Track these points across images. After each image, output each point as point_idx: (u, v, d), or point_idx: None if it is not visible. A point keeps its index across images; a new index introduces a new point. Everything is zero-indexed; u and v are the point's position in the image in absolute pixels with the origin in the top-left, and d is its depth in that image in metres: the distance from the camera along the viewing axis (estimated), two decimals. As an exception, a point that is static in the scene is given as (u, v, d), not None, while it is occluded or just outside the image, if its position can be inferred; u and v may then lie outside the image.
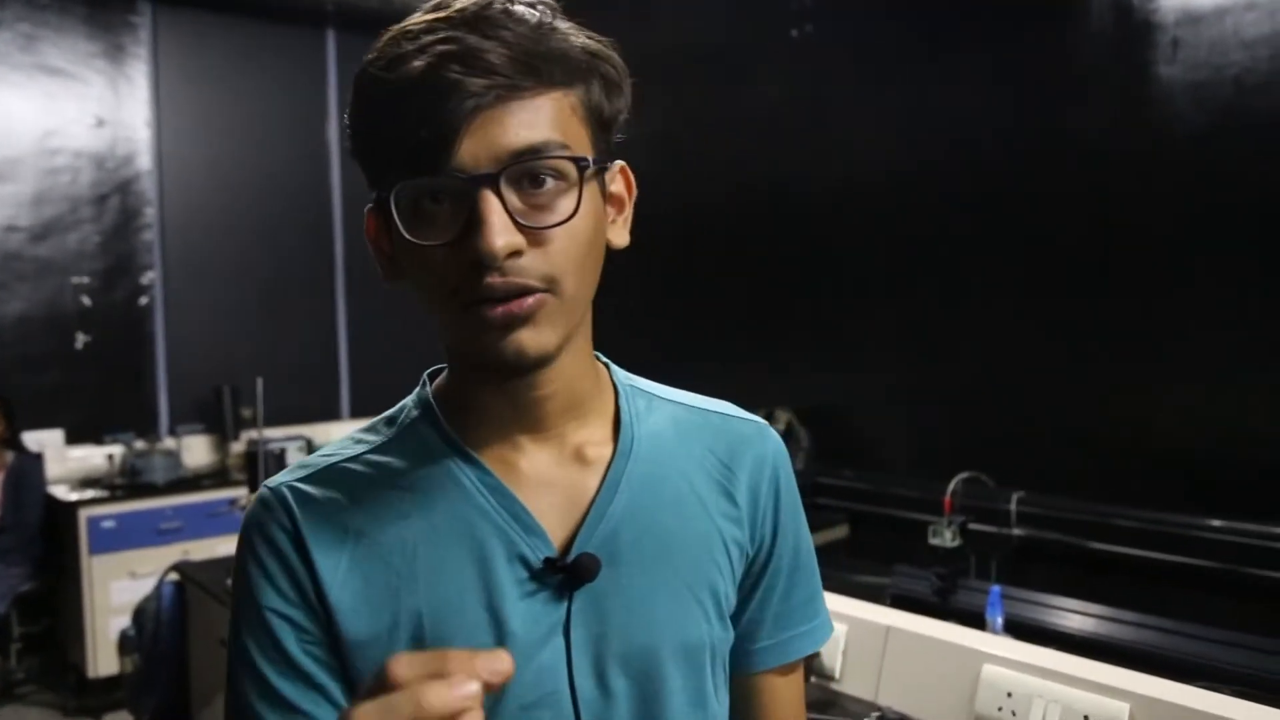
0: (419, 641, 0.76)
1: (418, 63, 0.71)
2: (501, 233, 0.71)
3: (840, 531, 3.68)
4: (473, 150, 0.71)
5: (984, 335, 3.38)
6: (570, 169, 0.75)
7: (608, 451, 0.84)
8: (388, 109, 0.72)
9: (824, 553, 3.20)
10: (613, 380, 0.88)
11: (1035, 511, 3.16)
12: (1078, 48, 3.14)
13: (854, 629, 1.77)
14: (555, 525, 0.80)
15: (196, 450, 4.63)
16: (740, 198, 4.16)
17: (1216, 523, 2.77)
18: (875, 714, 1.65)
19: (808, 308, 3.94)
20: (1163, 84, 2.89)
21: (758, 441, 0.90)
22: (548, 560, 0.79)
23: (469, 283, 0.72)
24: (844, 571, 2.62)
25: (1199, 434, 2.90)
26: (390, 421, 0.85)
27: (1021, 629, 1.97)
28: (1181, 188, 2.87)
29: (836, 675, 1.77)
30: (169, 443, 4.51)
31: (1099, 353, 3.09)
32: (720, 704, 0.87)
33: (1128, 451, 3.05)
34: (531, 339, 0.74)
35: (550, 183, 0.74)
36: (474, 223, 0.71)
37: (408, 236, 0.73)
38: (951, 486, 2.18)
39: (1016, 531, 3.21)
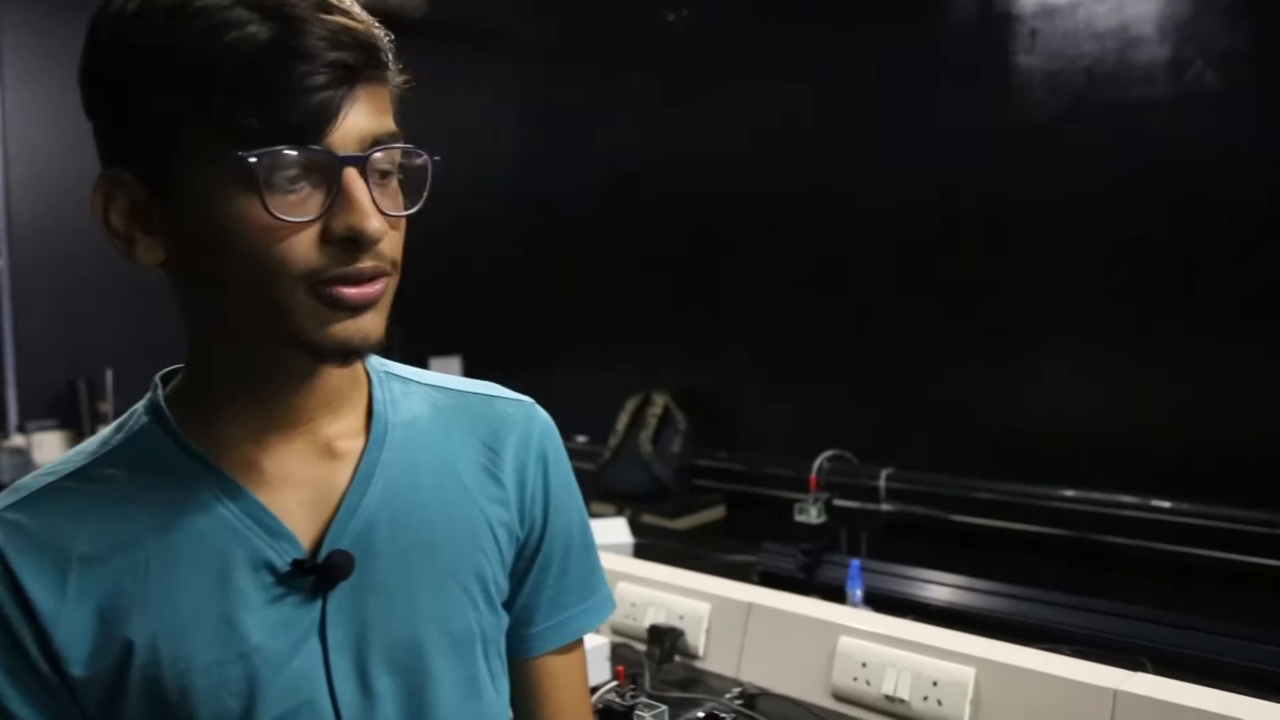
0: (155, 666, 0.72)
1: (272, 30, 0.66)
2: (375, 213, 0.70)
3: (717, 512, 3.72)
4: (346, 129, 0.69)
5: (854, 318, 3.45)
6: (418, 159, 0.75)
7: (360, 443, 0.81)
8: (230, 72, 0.66)
9: (701, 534, 3.24)
10: (365, 367, 0.85)
11: (903, 487, 3.25)
12: (943, 37, 3.21)
13: (717, 607, 1.79)
14: (304, 525, 0.77)
15: (49, 448, 4.41)
16: (611, 183, 4.15)
17: (1069, 493, 2.89)
18: (736, 689, 1.66)
19: (685, 292, 3.96)
20: (1022, 73, 2.99)
21: (523, 422, 0.89)
22: (296, 562, 0.75)
23: (330, 263, 0.69)
24: (718, 552, 2.64)
25: (1054, 410, 3.02)
26: (119, 428, 0.78)
27: (882, 601, 2.02)
28: (1036, 170, 2.97)
29: (700, 654, 1.78)
30: (18, 440, 4.30)
31: (961, 334, 3.19)
32: (498, 692, 0.86)
33: (989, 428, 3.15)
34: (374, 324, 0.73)
35: (396, 170, 0.74)
36: (343, 202, 0.69)
37: (274, 213, 0.67)
38: (817, 464, 2.22)
39: (886, 507, 3.29)
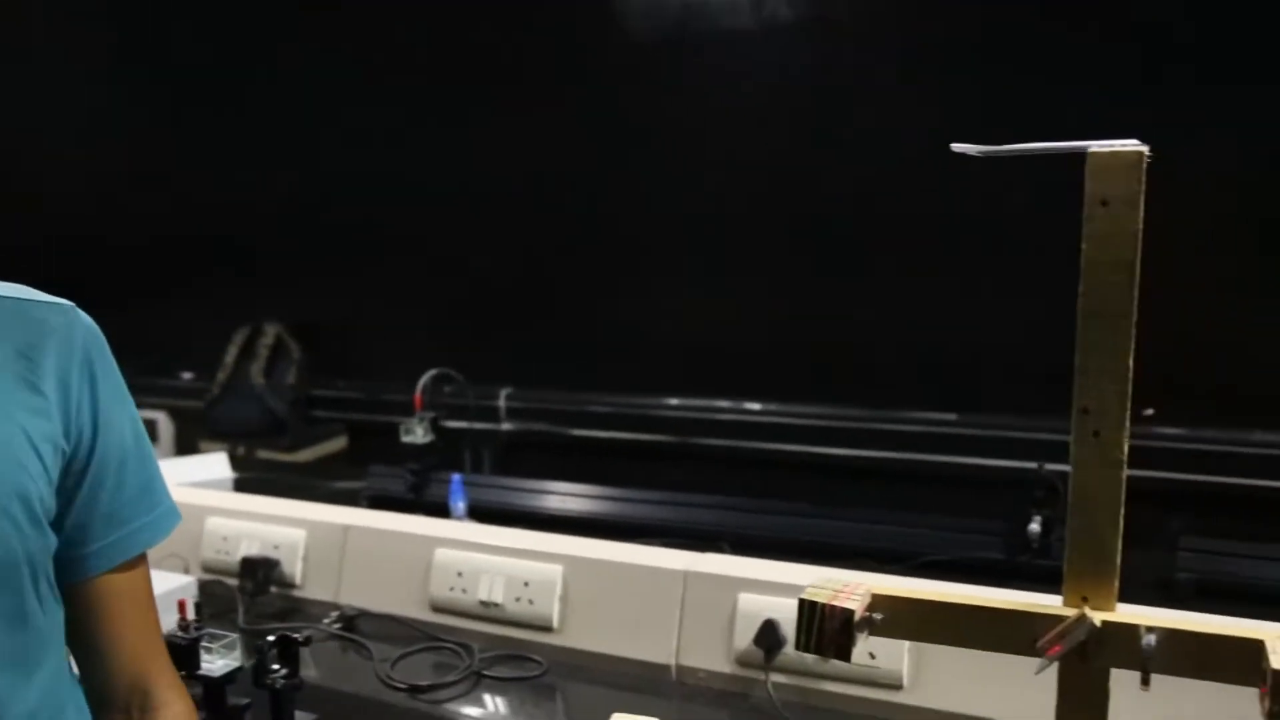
0: None
1: None
2: None
3: (339, 443, 3.62)
4: None
5: (473, 241, 3.43)
6: None
7: None
8: None
9: (321, 465, 3.10)
10: None
11: (522, 405, 3.32)
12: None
13: (313, 534, 1.73)
14: None
15: None
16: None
17: (673, 401, 3.07)
18: (335, 613, 1.62)
19: (292, 223, 3.75)
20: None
21: (64, 328, 0.81)
22: None
23: None
24: (330, 480, 2.57)
25: (666, 326, 3.17)
26: None
27: (492, 513, 2.04)
28: (631, 99, 3.07)
29: (298, 582, 1.72)
30: None
31: (577, 257, 3.26)
32: (49, 618, 0.78)
33: (605, 346, 3.27)
34: None
35: None
36: None
37: None
38: (421, 384, 2.19)
39: (507, 426, 3.35)
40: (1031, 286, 2.03)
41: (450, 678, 1.44)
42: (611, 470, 2.91)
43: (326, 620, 1.60)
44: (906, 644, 1.30)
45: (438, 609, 1.59)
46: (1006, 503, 1.94)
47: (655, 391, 3.11)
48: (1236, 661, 0.81)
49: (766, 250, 2.93)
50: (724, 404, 2.99)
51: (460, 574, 1.56)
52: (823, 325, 2.86)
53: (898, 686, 1.30)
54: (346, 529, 1.70)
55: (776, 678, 1.36)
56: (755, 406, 2.95)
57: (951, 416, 2.70)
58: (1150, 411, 2.41)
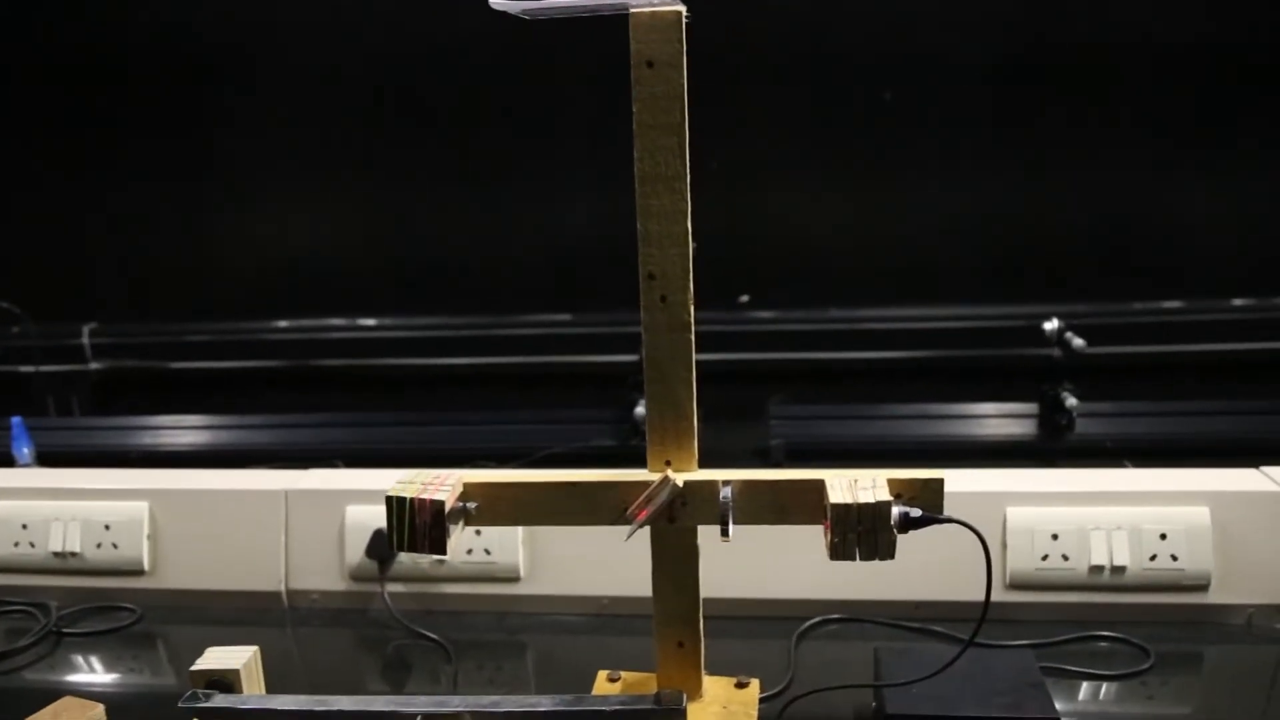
0: None
1: None
2: None
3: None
4: None
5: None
6: None
7: None
8: None
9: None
10: None
11: (110, 342, 3.00)
12: None
13: None
14: None
15: None
16: None
17: (283, 324, 2.90)
18: None
19: None
20: None
21: None
22: None
23: None
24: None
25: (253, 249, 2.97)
26: None
27: (64, 459, 1.82)
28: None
29: None
30: None
31: (151, 178, 2.96)
32: None
33: (194, 272, 3.01)
34: None
35: None
36: None
37: None
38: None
39: (95, 365, 3.02)
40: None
41: (23, 642, 1.27)
42: (222, 403, 2.72)
43: None
44: (520, 537, 1.30)
45: (2, 569, 1.40)
46: (620, 395, 2.01)
47: (261, 315, 2.91)
48: (805, 504, 0.87)
49: (358, 162, 2.81)
50: (338, 322, 2.86)
51: (25, 526, 1.38)
52: (424, 241, 2.80)
53: (514, 579, 1.31)
54: (-124, 493, 1.45)
55: (393, 588, 1.32)
56: (371, 322, 2.85)
57: (567, 317, 2.74)
58: (745, 298, 2.58)
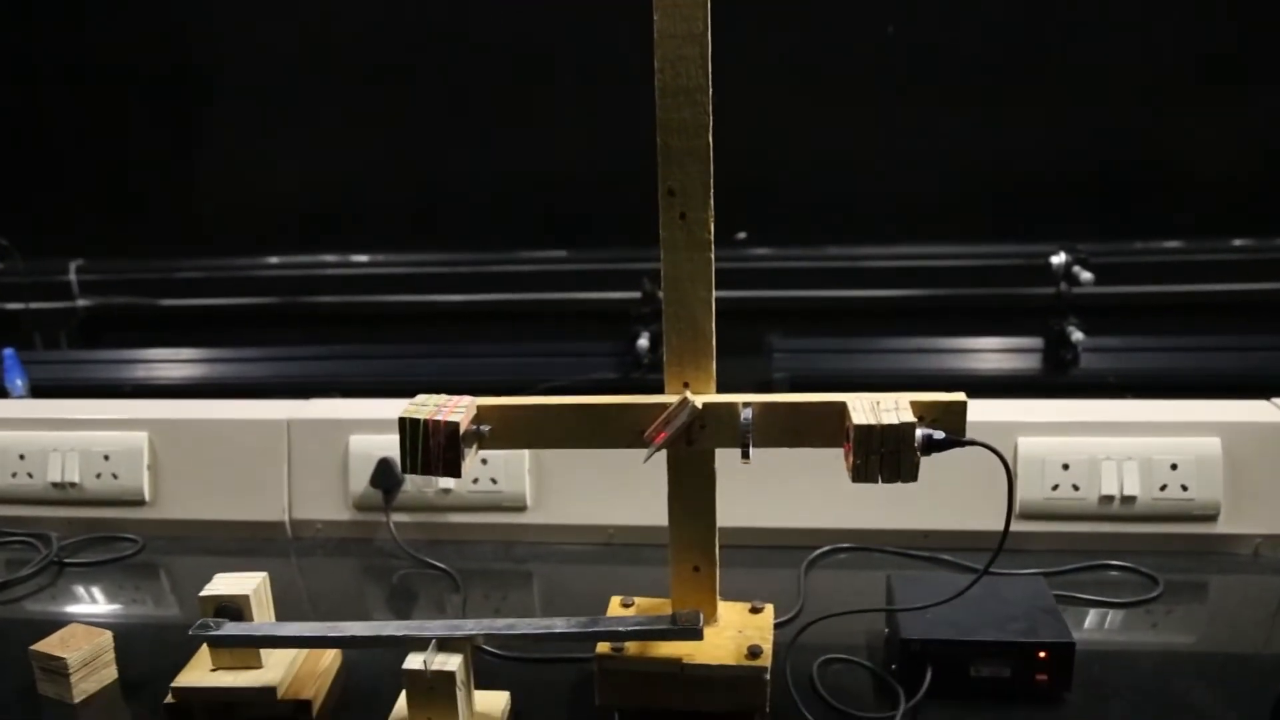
0: None
1: None
2: None
3: None
4: None
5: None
6: None
7: None
8: None
9: None
10: None
11: (98, 279, 2.96)
12: None
13: None
14: None
15: None
16: None
17: (275, 260, 2.86)
18: None
19: None
20: None
21: None
22: None
23: None
24: None
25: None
26: None
27: (59, 392, 1.80)
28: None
29: None
30: None
31: (146, 119, 2.90)
32: None
33: (180, 207, 2.96)
34: None
35: None
36: None
37: None
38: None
39: (83, 302, 2.99)
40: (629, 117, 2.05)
41: (25, 572, 1.26)
42: (214, 339, 2.69)
43: None
44: (527, 465, 1.29)
45: (1, 500, 1.38)
46: (622, 329, 1.99)
47: (253, 251, 2.87)
48: (824, 426, 0.86)
49: (350, 97, 2.76)
50: (331, 258, 2.82)
51: (23, 456, 1.36)
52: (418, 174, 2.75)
53: (521, 508, 1.30)
54: None
55: (398, 517, 1.31)
56: (364, 259, 2.81)
57: (562, 254, 2.71)
58: (743, 235, 2.55)
